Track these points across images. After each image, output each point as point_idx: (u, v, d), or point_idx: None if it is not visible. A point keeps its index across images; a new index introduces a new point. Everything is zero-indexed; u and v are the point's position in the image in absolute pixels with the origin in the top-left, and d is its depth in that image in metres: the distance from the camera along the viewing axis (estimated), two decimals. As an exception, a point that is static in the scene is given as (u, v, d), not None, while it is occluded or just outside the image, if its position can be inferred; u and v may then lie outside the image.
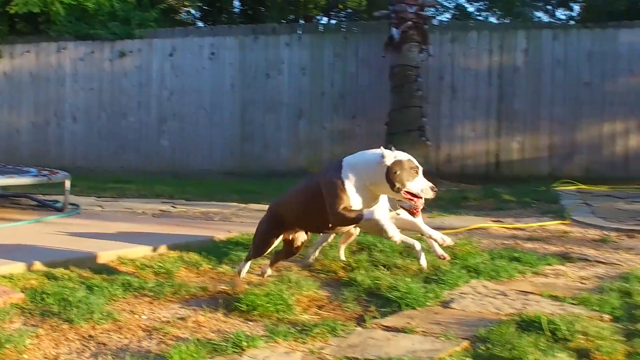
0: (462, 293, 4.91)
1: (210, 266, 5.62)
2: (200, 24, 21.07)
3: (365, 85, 13.18)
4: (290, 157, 13.45)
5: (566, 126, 12.55)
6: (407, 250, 5.90)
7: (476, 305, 4.64)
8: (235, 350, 3.70)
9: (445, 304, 4.67)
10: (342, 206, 4.25)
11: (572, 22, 19.44)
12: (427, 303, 4.66)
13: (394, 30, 12.21)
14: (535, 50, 12.77)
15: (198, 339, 3.84)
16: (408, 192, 4.18)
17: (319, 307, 4.63)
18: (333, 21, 21.31)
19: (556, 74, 12.70)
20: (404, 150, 12.02)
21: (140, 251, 5.95)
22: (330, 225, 4.48)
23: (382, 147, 4.35)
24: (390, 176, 4.18)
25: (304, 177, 11.97)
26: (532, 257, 5.84)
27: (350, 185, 4.29)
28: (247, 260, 5.07)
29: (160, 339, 3.94)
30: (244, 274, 5.08)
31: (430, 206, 8.33)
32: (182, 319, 4.31)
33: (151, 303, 4.65)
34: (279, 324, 4.16)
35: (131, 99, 14.42)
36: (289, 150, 13.51)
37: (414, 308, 4.56)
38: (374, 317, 4.37)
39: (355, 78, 13.31)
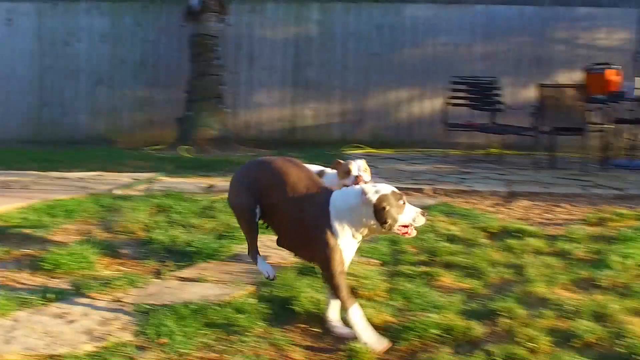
0: (251, 247, 5.45)
1: (12, 232, 5.81)
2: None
3: (166, 53, 13.39)
4: (89, 124, 13.45)
5: (357, 94, 13.34)
6: (203, 212, 6.40)
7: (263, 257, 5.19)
8: (43, 303, 4.04)
9: (236, 257, 5.21)
10: (338, 271, 3.78)
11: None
12: (220, 256, 5.18)
13: (193, 0, 12.50)
14: (329, 21, 13.44)
15: (5, 295, 4.13)
16: (401, 226, 3.76)
17: (120, 264, 5.02)
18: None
19: (348, 45, 13.44)
20: (204, 116, 12.32)
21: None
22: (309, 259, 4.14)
23: (360, 183, 4.02)
24: (380, 215, 3.69)
25: (103, 144, 12.14)
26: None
27: (342, 239, 3.79)
28: (254, 258, 4.33)
29: (-32, 297, 4.19)
30: (269, 271, 4.27)
31: (227, 170, 8.87)
32: (-13, 279, 4.56)
33: (-45, 267, 4.85)
34: (82, 279, 4.52)
35: None
36: (88, 117, 13.50)
37: (207, 261, 5.06)
38: (171, 271, 4.83)
39: (155, 46, 13.48)
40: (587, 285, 4.73)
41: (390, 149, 12.02)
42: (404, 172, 9.56)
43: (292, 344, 3.70)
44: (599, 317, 4.05)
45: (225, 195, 6.69)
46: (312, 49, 13.39)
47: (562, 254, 5.43)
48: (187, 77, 12.46)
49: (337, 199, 3.85)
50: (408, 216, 3.75)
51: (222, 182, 8.13)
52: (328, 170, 5.12)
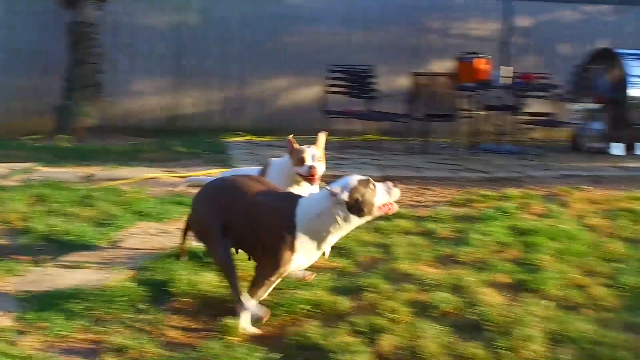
0: (131, 234, 5.62)
1: None
2: None
3: (43, 41, 13.09)
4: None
5: (238, 82, 13.40)
6: (82, 201, 6.47)
7: (143, 243, 5.38)
8: None
9: (115, 243, 5.35)
10: (274, 278, 3.86)
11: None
12: (99, 243, 5.30)
13: (70, -13, 12.33)
14: (210, 9, 13.43)
15: None
16: (381, 206, 3.76)
17: (-3, 255, 5.05)
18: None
19: (229, 33, 13.45)
20: (82, 105, 12.10)
21: None
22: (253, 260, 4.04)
23: (325, 187, 3.78)
24: (356, 207, 3.69)
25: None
26: (196, 201, 6.66)
27: (298, 254, 3.80)
28: (244, 305, 3.88)
29: None
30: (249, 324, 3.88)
31: (106, 160, 8.89)
32: None
33: None
34: (-42, 271, 4.56)
35: None
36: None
37: (87, 248, 5.17)
38: (50, 259, 4.92)
39: (32, 34, 13.15)
40: (448, 261, 5.13)
41: (270, 137, 12.19)
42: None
43: (170, 324, 3.88)
44: (456, 289, 4.43)
45: (104, 183, 6.84)
46: (193, 37, 13.37)
47: (427, 233, 5.82)
48: (65, 65, 12.29)
49: (305, 207, 3.80)
50: (383, 196, 3.74)
51: (101, 172, 8.17)
52: (273, 159, 4.94)
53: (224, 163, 9.10)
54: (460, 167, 9.33)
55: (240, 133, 12.03)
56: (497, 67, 11.61)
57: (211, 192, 4.17)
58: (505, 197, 7.27)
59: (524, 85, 11.39)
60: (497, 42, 12.89)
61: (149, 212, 6.14)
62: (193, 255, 4.74)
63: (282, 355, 3.53)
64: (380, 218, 6.10)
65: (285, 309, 3.99)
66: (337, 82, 11.79)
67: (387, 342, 3.65)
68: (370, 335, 3.72)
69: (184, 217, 6.06)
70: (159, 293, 4.23)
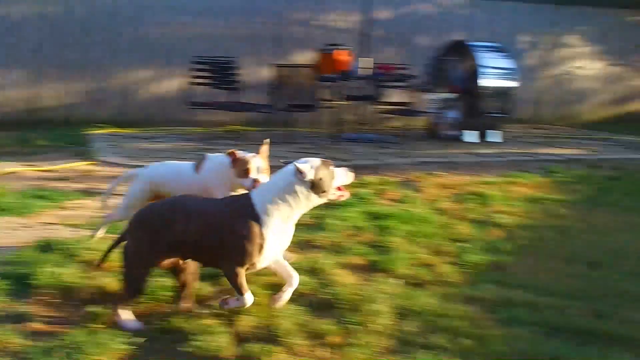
0: (-9, 229, 5.59)
1: None
2: None
3: None
4: None
5: (101, 73, 13.22)
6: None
7: (4, 238, 5.38)
8: None
9: (-26, 239, 5.33)
10: (245, 265, 3.86)
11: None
12: (-42, 240, 5.26)
13: None
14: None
15: None
16: (335, 191, 3.93)
17: None
18: None
19: (91, 24, 13.21)
20: None
21: None
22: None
23: (294, 163, 3.85)
24: (318, 186, 3.83)
25: None
26: (57, 194, 6.67)
27: (269, 233, 3.84)
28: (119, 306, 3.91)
29: None
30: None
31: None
32: None
33: None
34: None
35: None
36: None
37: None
38: None
39: None
40: (307, 245, 5.39)
41: (135, 128, 12.12)
42: (144, 150, 9.76)
43: (33, 315, 3.94)
44: (312, 271, 4.70)
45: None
46: (54, 28, 13.09)
47: (288, 221, 6.03)
48: None
49: (262, 194, 3.90)
50: (341, 178, 3.95)
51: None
52: (210, 154, 4.82)
53: (87, 156, 9.06)
54: (323, 156, 9.53)
55: (103, 125, 11.90)
56: (358, 58, 11.99)
57: (149, 217, 3.99)
58: (363, 184, 7.61)
59: (383, 76, 11.83)
60: (359, 34, 13.29)
61: (9, 207, 6.13)
62: (57, 248, 4.80)
63: (145, 339, 3.67)
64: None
65: (149, 296, 4.12)
66: (200, 73, 11.86)
67: (245, 322, 3.86)
68: (230, 317, 3.92)
69: (46, 212, 6.16)
70: (21, 286, 4.27)
